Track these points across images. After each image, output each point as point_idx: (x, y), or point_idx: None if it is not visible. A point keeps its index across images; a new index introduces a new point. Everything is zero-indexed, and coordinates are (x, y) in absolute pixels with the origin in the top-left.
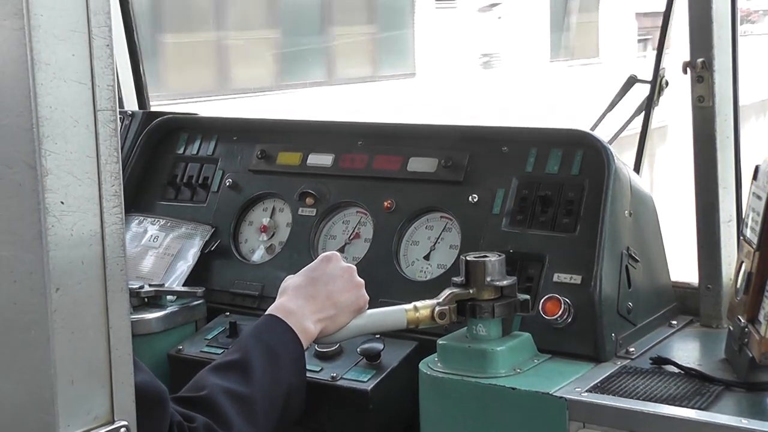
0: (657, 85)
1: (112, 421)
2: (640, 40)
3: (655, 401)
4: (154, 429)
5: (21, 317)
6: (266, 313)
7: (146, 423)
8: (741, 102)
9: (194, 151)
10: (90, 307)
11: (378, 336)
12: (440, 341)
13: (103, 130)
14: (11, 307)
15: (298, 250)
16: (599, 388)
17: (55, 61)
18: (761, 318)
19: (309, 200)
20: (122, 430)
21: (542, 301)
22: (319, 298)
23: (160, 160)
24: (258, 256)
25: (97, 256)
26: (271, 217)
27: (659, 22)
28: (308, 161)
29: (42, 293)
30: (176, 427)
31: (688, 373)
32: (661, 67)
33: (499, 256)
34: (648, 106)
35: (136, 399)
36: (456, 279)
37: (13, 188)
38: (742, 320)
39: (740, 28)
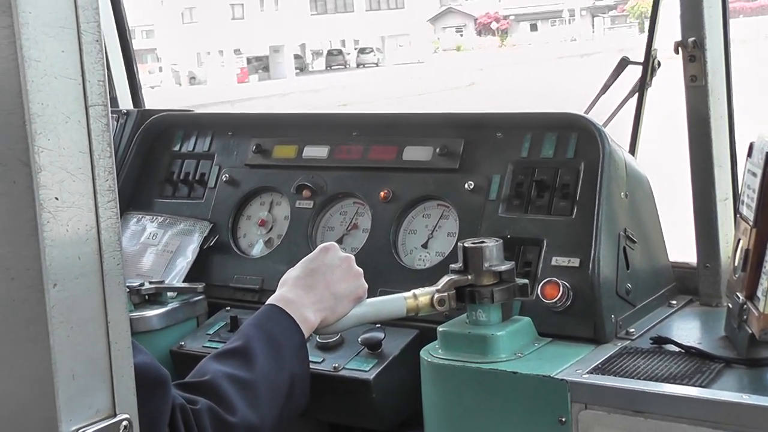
0: (649, 66)
1: (114, 415)
2: None
3: (657, 380)
4: (155, 411)
5: (20, 314)
6: (266, 303)
7: (148, 405)
8: None
9: (190, 148)
10: (88, 302)
11: (378, 325)
12: (440, 328)
13: (95, 125)
14: (9, 304)
15: (297, 243)
16: (600, 370)
17: (44, 58)
18: (760, 294)
19: (306, 193)
20: (124, 423)
21: (541, 284)
22: (318, 288)
23: (156, 158)
24: (257, 250)
25: (93, 251)
26: (269, 211)
27: None
28: (304, 154)
29: (40, 289)
30: (179, 410)
31: (689, 351)
32: (653, 48)
33: (497, 241)
34: (641, 87)
35: (136, 380)
36: (454, 266)
37: (7, 185)
38: (741, 297)
39: (482, 41)
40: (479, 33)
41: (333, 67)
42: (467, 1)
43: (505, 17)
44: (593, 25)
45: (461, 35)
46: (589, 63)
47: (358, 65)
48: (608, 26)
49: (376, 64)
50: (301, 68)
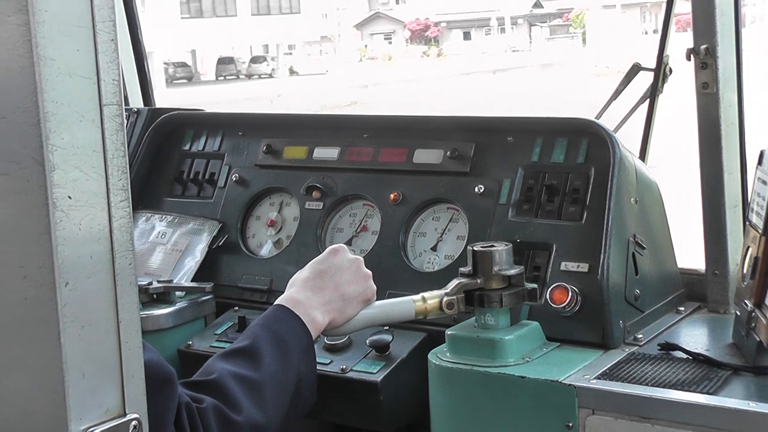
0: (661, 72)
1: (124, 414)
2: None
3: (664, 387)
4: (161, 408)
5: (31, 312)
6: (274, 304)
7: (154, 402)
8: None
9: (200, 147)
10: (99, 301)
11: (387, 327)
12: (449, 331)
13: (109, 125)
14: (21, 302)
15: (306, 244)
16: (608, 375)
17: (60, 57)
18: None
19: (316, 194)
20: (134, 422)
21: (550, 289)
22: (327, 289)
23: (166, 157)
24: (266, 250)
25: (105, 251)
26: (278, 212)
27: None
28: (314, 155)
29: (51, 288)
30: (185, 408)
31: (696, 358)
32: (664, 55)
33: (506, 245)
34: (652, 93)
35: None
36: (463, 269)
37: (21, 184)
38: (749, 305)
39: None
40: (408, 41)
41: (226, 77)
42: (398, 5)
43: (436, 24)
44: (530, 35)
45: (390, 42)
46: (502, 79)
47: (249, 76)
48: (547, 36)
49: (270, 75)
50: (189, 78)
